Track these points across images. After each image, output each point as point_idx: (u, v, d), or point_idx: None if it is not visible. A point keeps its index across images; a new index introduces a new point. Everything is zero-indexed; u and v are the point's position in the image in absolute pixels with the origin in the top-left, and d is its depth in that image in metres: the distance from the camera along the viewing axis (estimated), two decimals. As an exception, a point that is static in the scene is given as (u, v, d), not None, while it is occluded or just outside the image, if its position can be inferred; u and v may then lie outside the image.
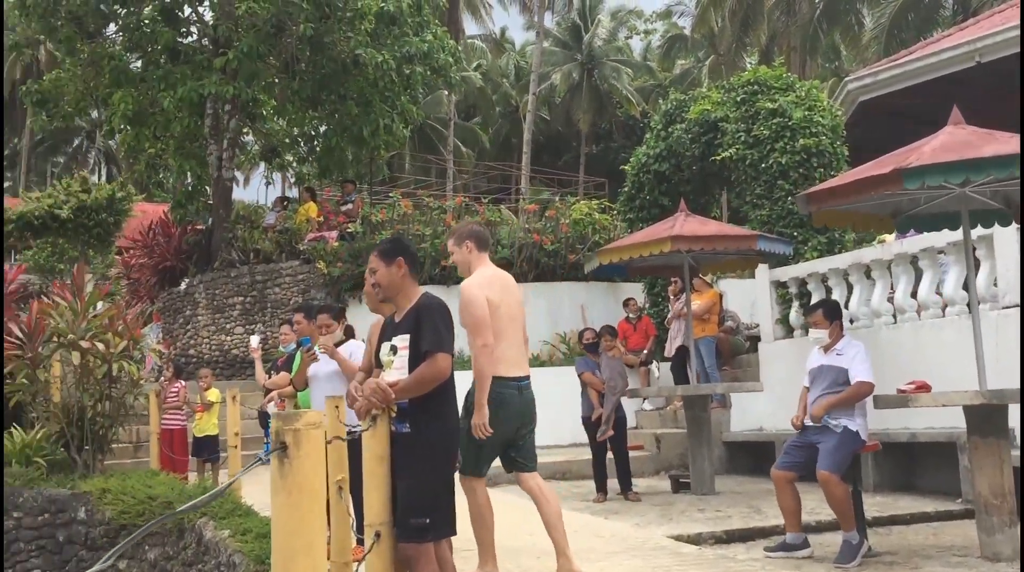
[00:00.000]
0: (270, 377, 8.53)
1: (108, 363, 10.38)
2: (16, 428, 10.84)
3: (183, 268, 16.15)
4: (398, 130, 17.59)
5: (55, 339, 10.49)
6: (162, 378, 10.98)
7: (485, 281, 5.26)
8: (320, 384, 6.19)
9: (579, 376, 9.69)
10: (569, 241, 15.30)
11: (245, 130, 17.80)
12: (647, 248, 9.25)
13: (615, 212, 15.86)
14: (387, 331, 4.45)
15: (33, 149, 43.73)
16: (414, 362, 4.15)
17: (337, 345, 6.27)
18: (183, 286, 16.31)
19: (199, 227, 16.76)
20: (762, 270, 11.33)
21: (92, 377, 10.36)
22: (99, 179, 42.06)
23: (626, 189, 14.10)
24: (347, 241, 15.15)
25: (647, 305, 14.43)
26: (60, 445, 10.49)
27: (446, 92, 37.81)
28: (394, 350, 4.29)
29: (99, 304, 11.84)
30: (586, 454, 11.15)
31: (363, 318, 15.20)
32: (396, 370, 4.21)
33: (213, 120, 16.17)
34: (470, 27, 41.62)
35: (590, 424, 9.51)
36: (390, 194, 14.97)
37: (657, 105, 18.51)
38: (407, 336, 4.23)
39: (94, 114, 16.29)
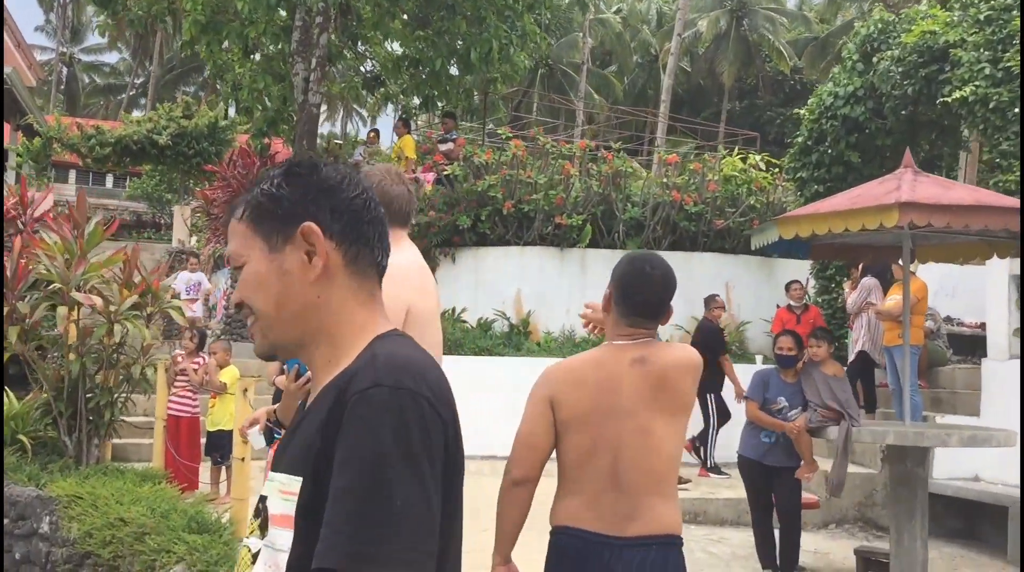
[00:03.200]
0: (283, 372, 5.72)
1: (110, 322, 7.75)
2: (9, 394, 8.33)
3: (258, 206, 13.52)
4: (517, 58, 14.41)
5: (42, 289, 7.90)
6: (177, 350, 8.27)
7: (401, 275, 2.36)
8: None
9: (745, 402, 6.61)
10: (716, 203, 11.94)
11: (344, 50, 14.91)
12: (858, 218, 5.89)
13: (778, 170, 12.41)
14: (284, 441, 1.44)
15: (161, 78, 42.36)
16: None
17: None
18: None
19: (279, 157, 14.10)
20: (996, 262, 7.82)
21: (90, 339, 7.75)
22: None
23: (799, 139, 10.65)
24: (444, 186, 12.21)
25: (814, 290, 11.03)
26: (48, 422, 7.97)
27: (580, 35, 34.41)
28: (261, 518, 1.26)
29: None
30: (728, 491, 8.03)
31: (451, 283, 12.19)
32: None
33: (301, 34, 13.38)
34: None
35: (760, 471, 6.50)
36: (499, 132, 11.86)
37: (846, 40, 14.57)
38: (298, 480, 1.21)
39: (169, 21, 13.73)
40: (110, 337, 7.91)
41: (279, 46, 14.18)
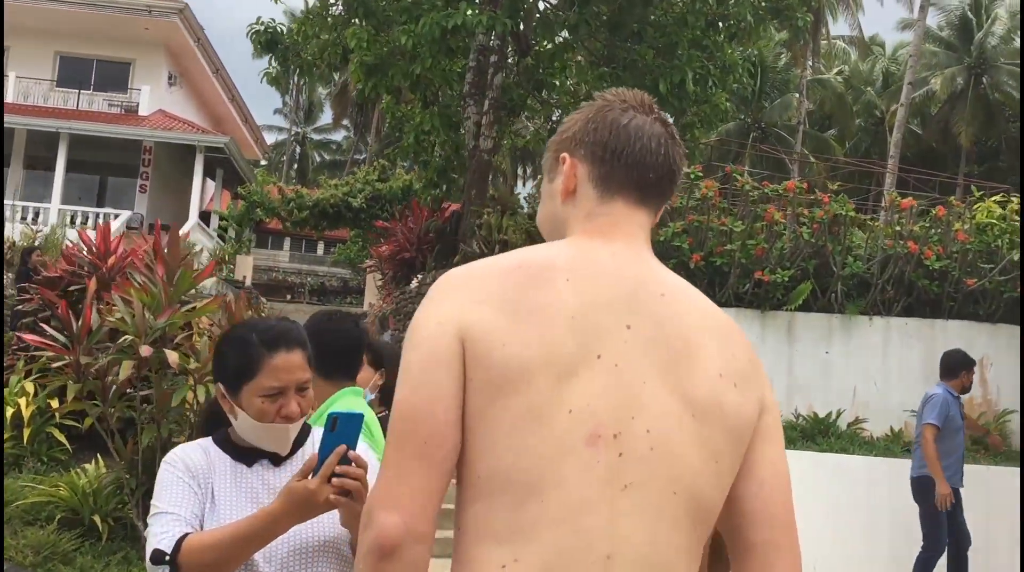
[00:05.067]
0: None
1: (194, 381, 6.25)
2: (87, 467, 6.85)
3: (423, 261, 12.10)
4: (717, 98, 12.28)
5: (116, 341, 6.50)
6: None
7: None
8: None
9: None
10: (968, 258, 9.21)
11: (528, 98, 13.35)
12: None
13: (1048, 217, 9.52)
14: None
15: (379, 151, 43.02)
16: None
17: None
18: (414, 283, 12.21)
19: (450, 210, 12.64)
20: None
21: (169, 402, 6.27)
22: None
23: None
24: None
25: (1111, 372, 8.09)
26: (122, 499, 6.50)
27: (796, 95, 31.66)
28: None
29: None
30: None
31: None
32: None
33: (475, 75, 11.95)
34: (835, 26, 34.87)
35: None
36: (689, 173, 9.75)
37: None
38: None
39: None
40: (195, 399, 6.44)
41: (454, 90, 12.83)
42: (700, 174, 9.82)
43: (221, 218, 22.44)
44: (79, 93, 26.05)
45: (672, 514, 1.28)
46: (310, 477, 1.86)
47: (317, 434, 2.19)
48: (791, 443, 8.44)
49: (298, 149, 51.79)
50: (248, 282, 20.07)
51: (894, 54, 38.01)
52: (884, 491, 7.90)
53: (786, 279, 9.14)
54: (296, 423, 2.12)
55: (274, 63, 11.82)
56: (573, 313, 1.29)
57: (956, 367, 7.06)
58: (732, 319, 1.51)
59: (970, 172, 32.34)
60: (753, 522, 1.37)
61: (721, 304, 9.45)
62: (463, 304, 1.29)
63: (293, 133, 51.10)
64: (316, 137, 52.17)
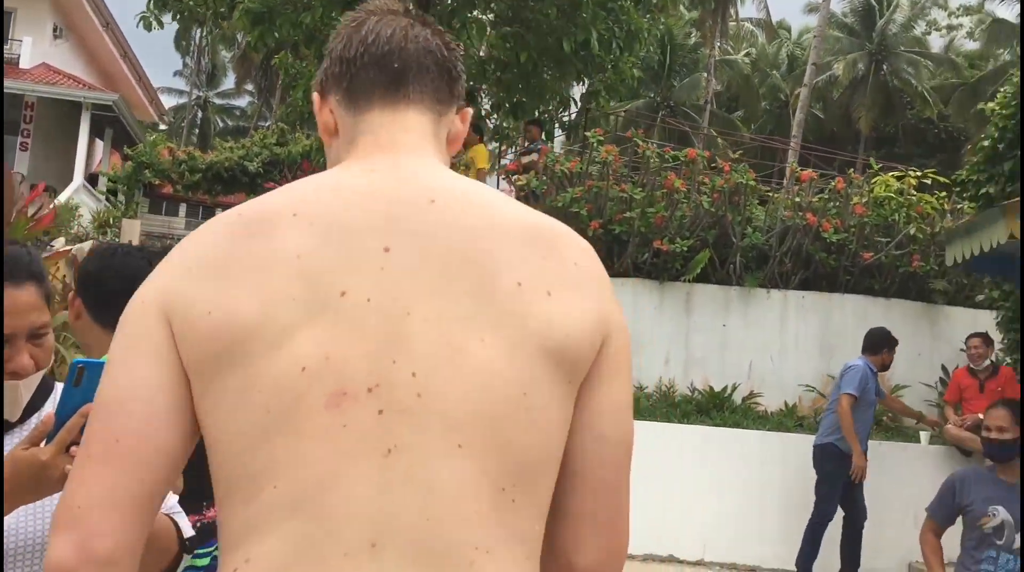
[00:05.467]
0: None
1: None
2: None
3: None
4: (624, 65, 11.91)
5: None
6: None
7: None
8: None
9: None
10: (865, 231, 9.06)
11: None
12: None
13: (946, 194, 9.45)
14: None
15: (284, 118, 41.64)
16: None
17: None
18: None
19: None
20: None
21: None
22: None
23: (984, 144, 7.74)
24: (528, 202, 9.78)
25: (1003, 348, 8.01)
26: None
27: (705, 75, 31.74)
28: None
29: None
30: None
31: None
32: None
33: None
34: (743, 7, 35.04)
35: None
36: (589, 136, 9.35)
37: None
38: None
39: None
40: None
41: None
42: (601, 138, 9.43)
43: (109, 180, 21.14)
44: (-47, 42, 24.29)
45: (458, 478, 0.97)
46: (43, 444, 1.40)
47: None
48: (686, 417, 8.16)
49: (200, 114, 49.85)
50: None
51: (799, 38, 38.54)
52: (776, 467, 7.69)
53: (685, 249, 8.84)
54: (29, 379, 1.61)
55: (151, 6, 10.92)
56: (299, 252, 1.01)
57: (879, 344, 7.07)
58: (573, 234, 1.12)
59: (868, 157, 33.00)
60: (575, 488, 1.08)
61: (619, 274, 9.12)
62: (170, 275, 1.06)
63: (194, 97, 49.15)
64: (219, 102, 50.33)
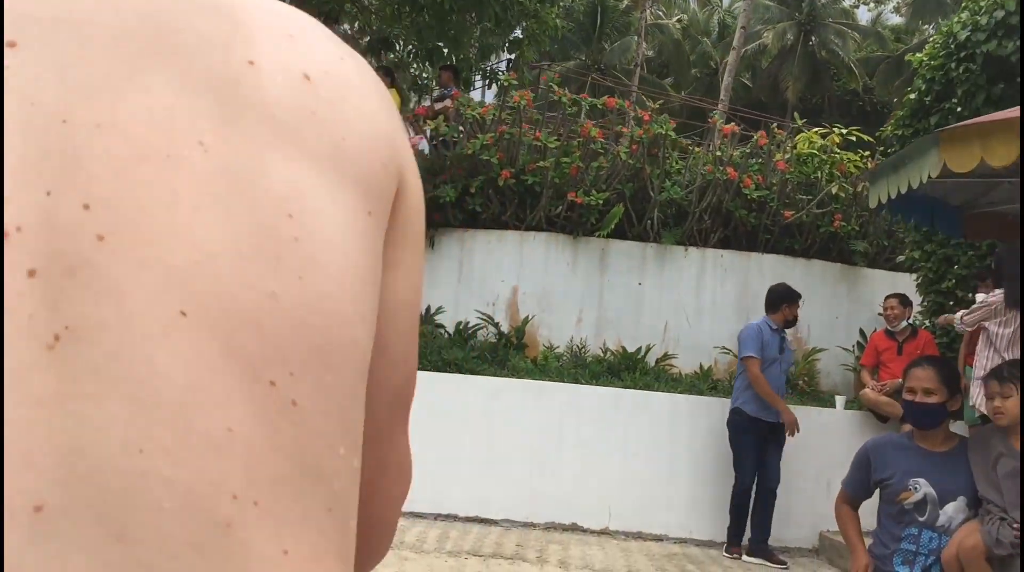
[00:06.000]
0: None
1: None
2: None
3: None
4: (546, 15, 11.28)
5: None
6: None
7: None
8: None
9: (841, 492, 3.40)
10: (786, 189, 8.66)
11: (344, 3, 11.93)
12: None
13: (870, 153, 9.09)
14: None
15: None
16: None
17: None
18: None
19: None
20: None
21: None
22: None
23: (911, 96, 7.34)
24: (439, 150, 9.11)
25: (921, 310, 7.69)
26: None
27: (636, 38, 31.26)
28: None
29: None
30: None
31: (428, 274, 8.90)
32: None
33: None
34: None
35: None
36: (500, 77, 8.73)
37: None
38: None
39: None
40: None
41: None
42: (515, 82, 8.81)
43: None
44: None
45: (185, 368, 0.54)
46: None
47: None
48: (595, 378, 7.69)
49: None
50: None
51: (731, 6, 38.30)
52: (687, 431, 7.27)
53: (601, 202, 8.32)
54: None
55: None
56: None
57: (777, 300, 6.76)
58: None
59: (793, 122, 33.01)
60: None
61: (532, 227, 8.58)
62: None
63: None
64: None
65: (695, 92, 34.91)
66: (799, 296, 6.92)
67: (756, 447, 6.58)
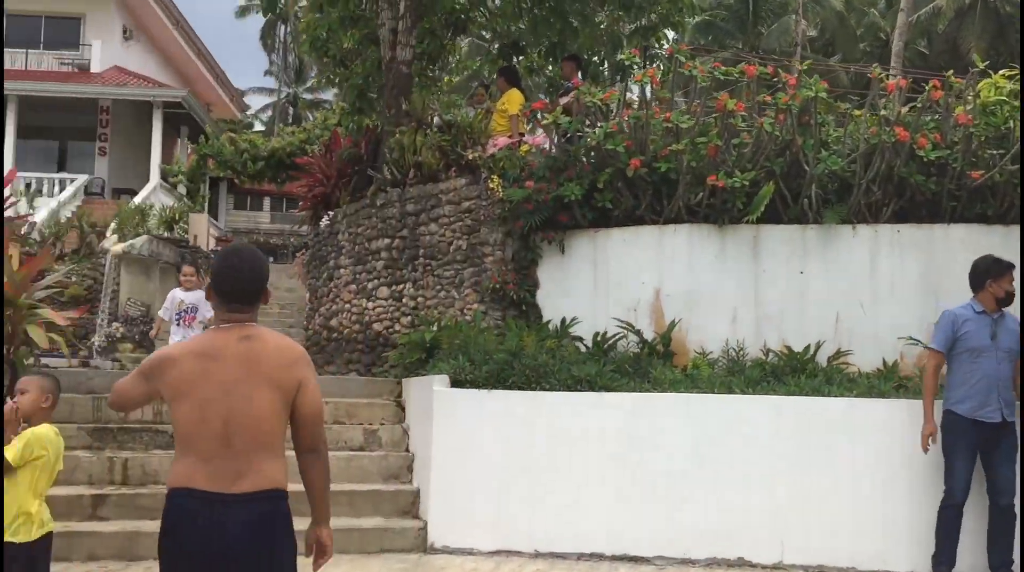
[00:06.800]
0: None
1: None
2: None
3: (338, 195, 10.22)
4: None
5: None
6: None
7: None
8: None
9: None
10: (972, 145, 7.24)
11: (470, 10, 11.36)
12: None
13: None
14: None
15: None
16: None
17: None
18: (324, 221, 10.39)
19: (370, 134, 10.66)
20: None
21: None
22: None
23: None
24: (564, 146, 8.26)
25: None
26: None
27: (794, 17, 29.32)
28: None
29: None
30: None
31: (560, 283, 7.85)
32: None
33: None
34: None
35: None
36: (623, 58, 7.78)
37: None
38: None
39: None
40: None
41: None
42: (637, 59, 7.83)
43: (172, 174, 20.59)
44: (27, 52, 24.25)
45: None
46: None
47: None
48: (752, 385, 6.57)
49: (291, 110, 49.89)
50: (204, 242, 18.27)
51: (898, -30, 35.37)
52: (870, 441, 6.06)
53: (747, 183, 7.20)
54: None
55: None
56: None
57: (980, 277, 5.75)
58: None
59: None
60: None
61: (670, 220, 7.56)
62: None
63: (284, 94, 49.18)
64: (308, 96, 50.21)
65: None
66: (1010, 266, 5.74)
67: (971, 454, 5.54)
